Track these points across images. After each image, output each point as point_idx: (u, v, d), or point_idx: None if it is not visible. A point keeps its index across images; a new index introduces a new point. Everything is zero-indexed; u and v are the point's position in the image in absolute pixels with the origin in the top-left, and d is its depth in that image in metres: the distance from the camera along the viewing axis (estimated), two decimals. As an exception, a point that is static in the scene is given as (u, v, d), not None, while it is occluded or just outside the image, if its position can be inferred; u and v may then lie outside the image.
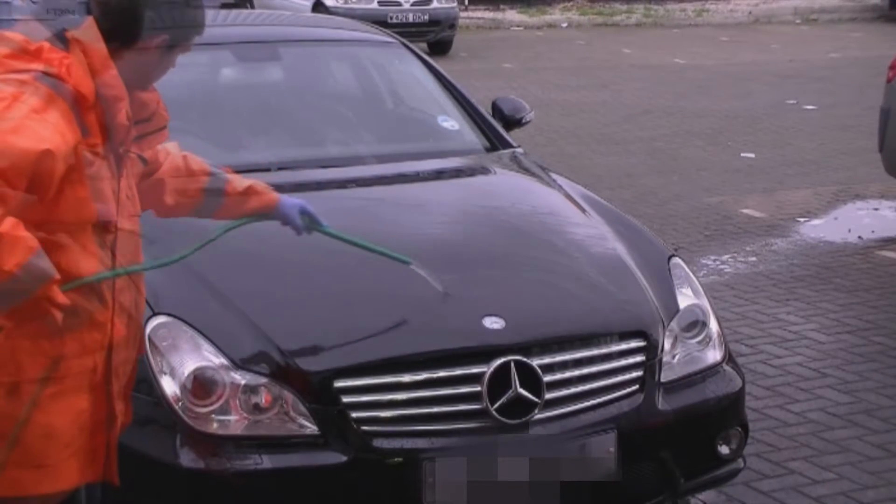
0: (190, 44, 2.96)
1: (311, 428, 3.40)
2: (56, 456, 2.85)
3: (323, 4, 17.78)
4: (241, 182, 3.44)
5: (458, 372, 3.48)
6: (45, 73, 2.74)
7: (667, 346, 3.81)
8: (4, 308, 2.70)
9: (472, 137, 5.20)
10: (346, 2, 17.74)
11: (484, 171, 5.01)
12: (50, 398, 2.81)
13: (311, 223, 3.57)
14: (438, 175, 4.91)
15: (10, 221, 2.58)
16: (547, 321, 3.73)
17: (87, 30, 2.83)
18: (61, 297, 2.71)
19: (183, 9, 2.89)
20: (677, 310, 3.92)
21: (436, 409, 3.45)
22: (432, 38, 17.63)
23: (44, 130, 2.65)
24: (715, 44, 19.29)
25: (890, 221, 8.37)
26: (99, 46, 2.80)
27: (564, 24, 22.17)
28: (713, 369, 3.94)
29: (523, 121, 5.47)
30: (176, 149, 3.34)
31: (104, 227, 2.86)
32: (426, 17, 17.70)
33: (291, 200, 3.55)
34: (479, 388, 3.44)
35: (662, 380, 3.76)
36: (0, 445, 2.79)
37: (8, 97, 2.66)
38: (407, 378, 3.45)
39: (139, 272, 3.07)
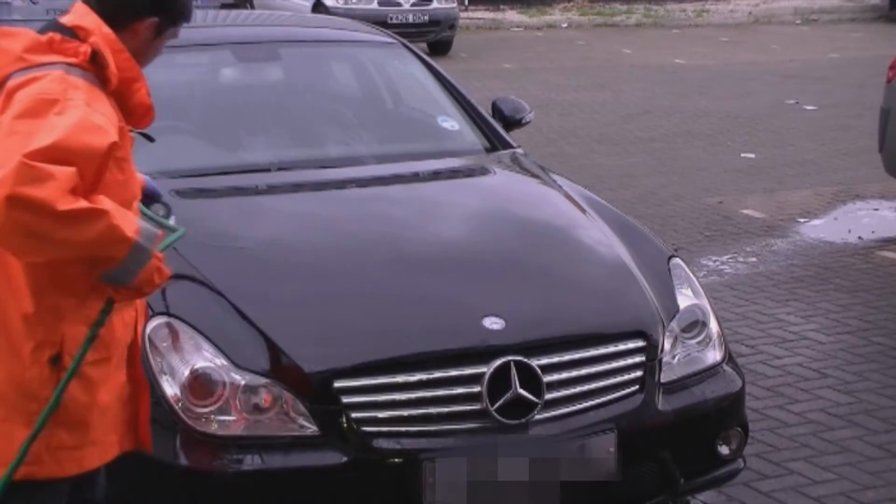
0: (178, 30, 2.96)
1: (311, 428, 3.39)
2: (105, 431, 2.90)
3: (323, 5, 17.77)
4: None
5: (458, 372, 3.48)
6: (70, 65, 2.72)
7: (667, 346, 3.81)
8: (132, 281, 2.67)
9: (472, 138, 5.20)
10: (346, 2, 17.73)
11: (484, 171, 5.00)
12: (104, 378, 2.85)
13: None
14: (438, 175, 4.90)
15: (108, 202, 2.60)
16: (547, 321, 3.73)
17: (86, 16, 2.83)
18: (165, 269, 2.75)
19: None
20: (677, 310, 3.92)
21: (436, 410, 3.45)
22: (432, 39, 17.62)
23: (102, 123, 2.66)
24: (715, 44, 19.28)
25: (890, 221, 8.36)
26: (107, 31, 2.80)
27: (564, 25, 22.16)
28: (713, 370, 3.94)
29: (523, 121, 5.46)
30: None
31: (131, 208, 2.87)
32: (426, 18, 17.68)
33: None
34: (479, 389, 3.44)
35: (662, 380, 3.76)
36: (66, 429, 2.80)
37: (58, 95, 2.64)
38: (407, 378, 3.45)
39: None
